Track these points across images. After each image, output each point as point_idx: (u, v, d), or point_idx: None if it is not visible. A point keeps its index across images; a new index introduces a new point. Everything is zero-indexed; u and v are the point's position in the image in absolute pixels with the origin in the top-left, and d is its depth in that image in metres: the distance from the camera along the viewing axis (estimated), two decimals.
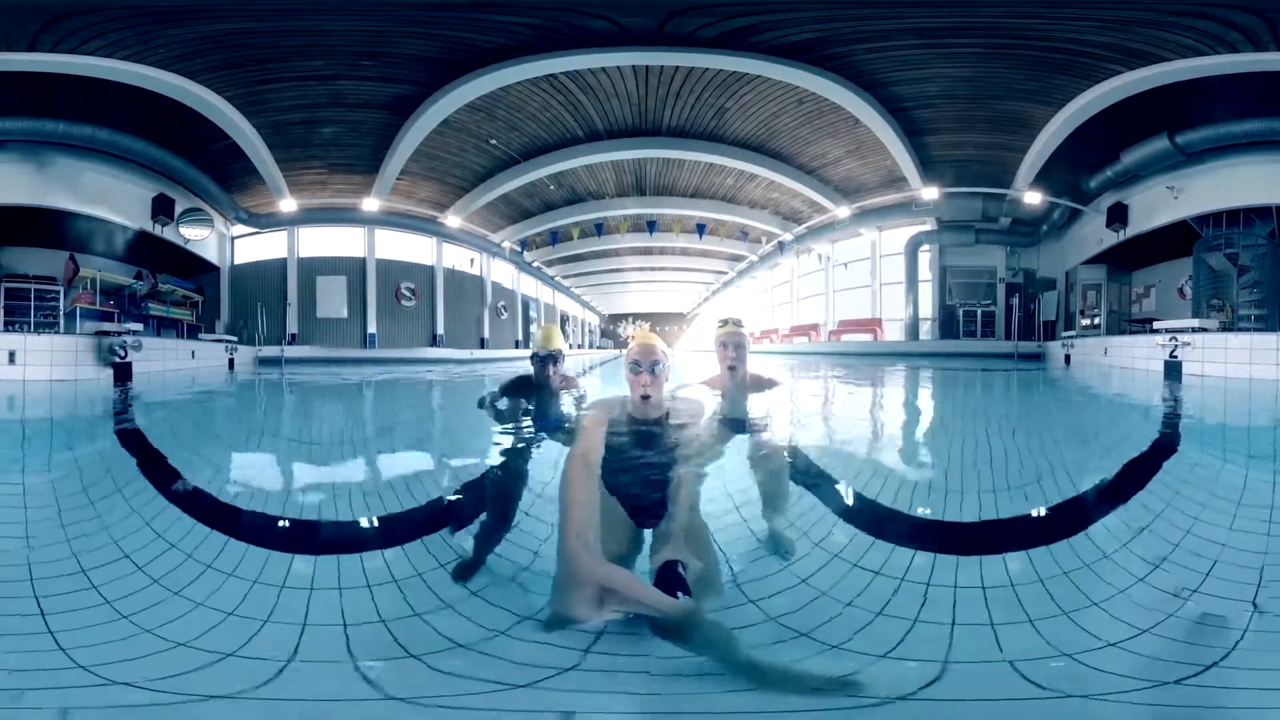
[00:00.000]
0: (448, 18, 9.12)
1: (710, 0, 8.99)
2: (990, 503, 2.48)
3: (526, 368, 3.65)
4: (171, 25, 8.49)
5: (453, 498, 2.54)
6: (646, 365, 2.18)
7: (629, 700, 1.25)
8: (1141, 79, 9.23)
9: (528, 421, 3.46)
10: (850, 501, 2.45)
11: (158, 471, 3.14)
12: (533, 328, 20.15)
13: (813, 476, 2.59)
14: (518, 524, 2.19)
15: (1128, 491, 2.68)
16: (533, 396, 3.64)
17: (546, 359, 3.42)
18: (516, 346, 18.73)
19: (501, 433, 3.40)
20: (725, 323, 3.50)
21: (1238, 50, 8.34)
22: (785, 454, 2.79)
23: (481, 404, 3.75)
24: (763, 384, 3.75)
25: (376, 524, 2.26)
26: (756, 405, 3.53)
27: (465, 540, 2.04)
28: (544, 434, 3.19)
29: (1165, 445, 3.92)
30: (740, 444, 2.76)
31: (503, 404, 3.66)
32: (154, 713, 1.19)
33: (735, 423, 3.15)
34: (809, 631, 1.48)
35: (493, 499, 2.46)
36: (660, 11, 9.05)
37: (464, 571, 1.81)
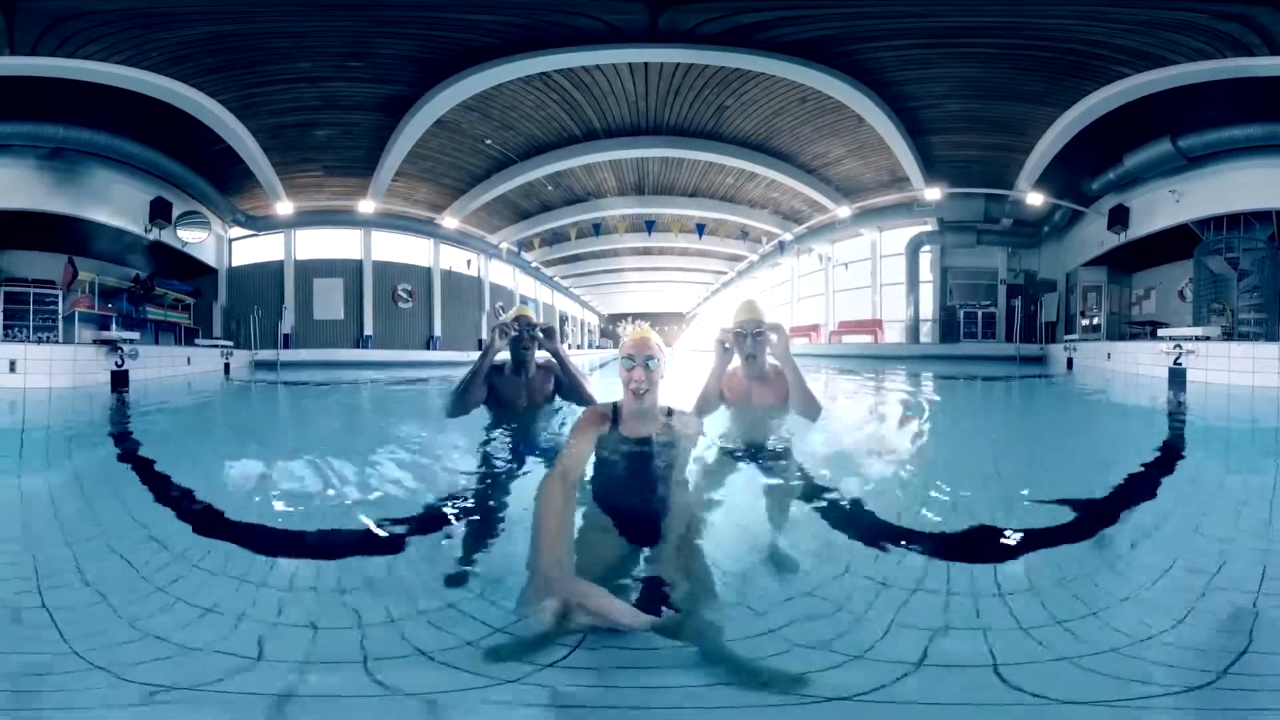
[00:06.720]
0: (426, 17, 8.94)
1: None
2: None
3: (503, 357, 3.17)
4: (159, 29, 8.38)
5: (430, 505, 2.43)
6: (640, 360, 2.07)
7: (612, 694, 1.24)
8: (1147, 82, 9.13)
9: (507, 439, 3.08)
10: (863, 519, 2.29)
11: (150, 475, 3.18)
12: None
13: (823, 496, 2.43)
14: (503, 530, 2.15)
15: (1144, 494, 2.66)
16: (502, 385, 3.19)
17: (513, 332, 3.00)
18: None
19: (483, 450, 3.05)
20: (749, 305, 2.92)
21: (1226, 56, 8.26)
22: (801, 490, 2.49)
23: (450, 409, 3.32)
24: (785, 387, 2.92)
25: (359, 530, 2.22)
26: (778, 433, 2.90)
27: (444, 548, 2.01)
28: (526, 453, 2.90)
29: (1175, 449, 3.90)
30: (746, 477, 2.48)
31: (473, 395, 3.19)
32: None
33: (747, 450, 2.74)
34: (816, 644, 1.44)
35: (475, 508, 2.38)
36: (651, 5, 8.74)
37: (454, 580, 1.77)
